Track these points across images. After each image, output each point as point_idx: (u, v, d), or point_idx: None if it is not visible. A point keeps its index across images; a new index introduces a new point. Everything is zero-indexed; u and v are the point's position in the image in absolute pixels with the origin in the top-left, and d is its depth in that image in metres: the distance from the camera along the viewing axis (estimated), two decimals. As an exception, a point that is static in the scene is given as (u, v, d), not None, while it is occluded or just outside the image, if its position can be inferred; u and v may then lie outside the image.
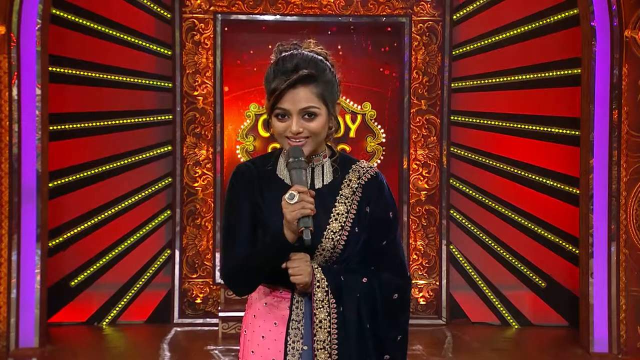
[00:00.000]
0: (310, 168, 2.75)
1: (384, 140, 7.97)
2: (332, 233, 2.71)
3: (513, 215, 7.85)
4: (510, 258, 7.86)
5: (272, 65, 2.72)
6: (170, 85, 7.80)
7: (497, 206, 7.88)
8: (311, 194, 2.62)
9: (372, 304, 2.70)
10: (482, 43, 7.84)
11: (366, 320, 2.69)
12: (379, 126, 7.95)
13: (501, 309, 7.87)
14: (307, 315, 2.70)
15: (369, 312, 2.69)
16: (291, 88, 2.65)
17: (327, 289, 2.67)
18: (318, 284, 2.66)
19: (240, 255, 2.72)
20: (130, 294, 7.76)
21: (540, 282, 7.83)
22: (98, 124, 7.73)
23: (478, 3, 7.84)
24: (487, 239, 7.89)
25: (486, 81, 7.87)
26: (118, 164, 7.77)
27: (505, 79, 7.84)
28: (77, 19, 7.60)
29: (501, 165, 7.87)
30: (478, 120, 7.90)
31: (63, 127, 7.62)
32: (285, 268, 2.66)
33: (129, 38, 7.73)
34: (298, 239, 2.61)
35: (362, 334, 2.68)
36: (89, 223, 7.70)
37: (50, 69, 7.22)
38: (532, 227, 7.82)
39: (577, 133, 7.43)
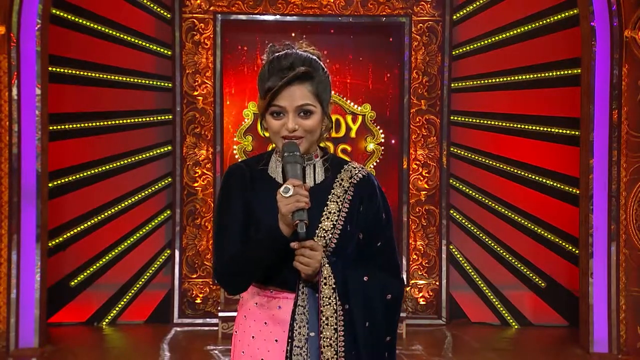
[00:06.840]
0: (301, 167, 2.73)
1: (382, 140, 7.96)
2: (323, 231, 2.70)
3: (513, 215, 7.85)
4: (510, 258, 7.86)
5: (267, 65, 2.71)
6: (170, 85, 7.80)
7: (497, 206, 7.87)
8: (306, 187, 2.61)
9: (372, 302, 2.69)
10: (482, 43, 7.84)
11: (366, 319, 2.68)
12: (378, 127, 7.94)
13: (501, 309, 7.87)
14: (312, 302, 2.67)
15: (369, 310, 2.68)
16: (287, 86, 2.65)
17: (334, 286, 2.65)
18: (325, 280, 2.65)
19: (233, 253, 2.70)
20: (130, 294, 7.77)
21: (540, 282, 7.82)
22: (98, 124, 7.74)
23: (478, 3, 7.83)
24: (487, 239, 7.89)
25: (486, 81, 7.87)
26: (118, 164, 7.77)
27: (505, 79, 7.84)
28: (77, 19, 7.61)
29: (501, 165, 7.86)
30: (478, 120, 7.90)
31: (63, 127, 7.63)
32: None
33: (129, 38, 7.73)
34: (293, 233, 2.60)
35: (364, 332, 2.67)
36: (89, 223, 7.70)
37: (50, 69, 7.22)
38: (532, 227, 7.81)
39: (577, 133, 7.42)
